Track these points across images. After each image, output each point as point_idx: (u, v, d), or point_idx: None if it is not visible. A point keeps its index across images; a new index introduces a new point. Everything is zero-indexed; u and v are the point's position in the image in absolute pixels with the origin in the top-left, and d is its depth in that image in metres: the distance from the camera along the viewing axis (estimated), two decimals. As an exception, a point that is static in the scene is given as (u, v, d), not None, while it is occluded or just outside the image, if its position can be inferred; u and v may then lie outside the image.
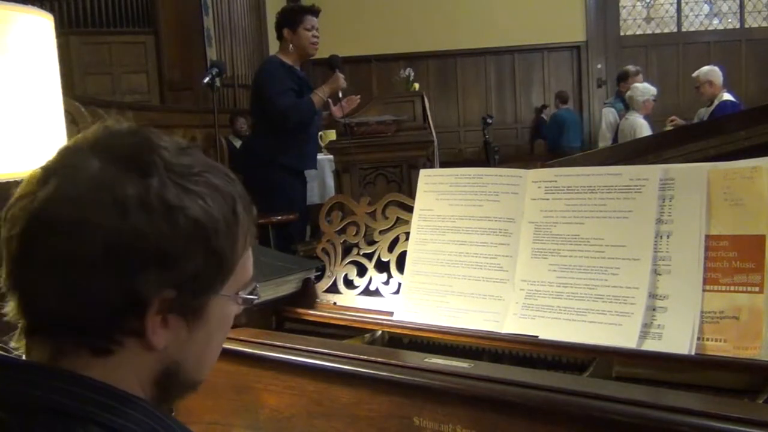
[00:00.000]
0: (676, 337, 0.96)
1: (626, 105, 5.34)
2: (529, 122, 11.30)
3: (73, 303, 0.60)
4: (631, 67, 5.85)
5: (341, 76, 3.54)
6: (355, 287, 1.30)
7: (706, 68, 5.14)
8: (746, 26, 11.06)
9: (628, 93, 5.17)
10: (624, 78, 5.68)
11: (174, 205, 0.60)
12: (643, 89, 5.09)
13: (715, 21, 11.19)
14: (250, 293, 0.73)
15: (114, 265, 0.59)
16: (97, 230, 0.58)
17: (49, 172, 0.61)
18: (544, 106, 10.57)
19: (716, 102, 4.95)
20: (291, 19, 3.53)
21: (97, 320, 0.61)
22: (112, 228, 0.58)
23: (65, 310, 0.60)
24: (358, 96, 3.85)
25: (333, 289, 1.33)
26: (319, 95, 3.50)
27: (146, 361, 0.65)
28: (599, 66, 11.07)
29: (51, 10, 1.47)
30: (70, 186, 0.60)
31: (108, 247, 0.58)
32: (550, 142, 9.63)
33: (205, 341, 0.69)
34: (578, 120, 9.85)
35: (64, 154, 0.63)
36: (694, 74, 5.17)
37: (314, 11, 3.56)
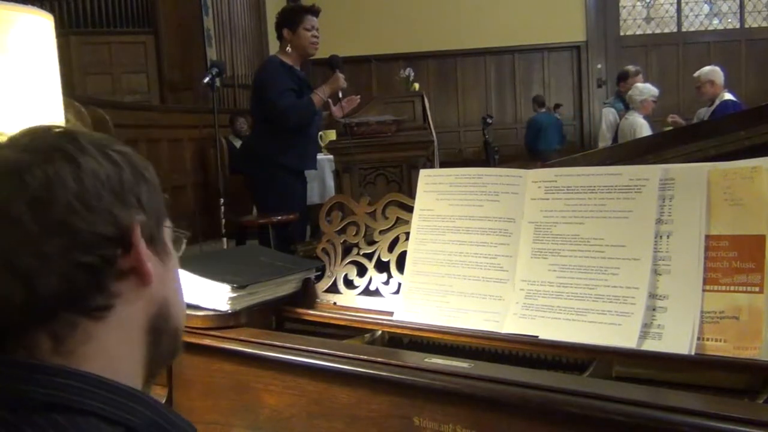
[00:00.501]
0: (676, 337, 0.96)
1: (626, 105, 5.34)
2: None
3: (73, 267, 0.60)
4: (631, 67, 5.85)
5: (341, 76, 3.54)
6: (355, 287, 1.30)
7: (707, 68, 5.15)
8: (746, 26, 11.07)
9: (629, 92, 5.18)
10: (624, 78, 5.68)
11: (112, 149, 0.66)
12: (643, 89, 5.09)
13: (715, 21, 11.20)
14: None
15: (93, 207, 0.62)
16: (60, 190, 0.61)
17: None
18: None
19: (717, 102, 4.95)
20: (291, 19, 3.54)
21: (95, 273, 0.62)
22: (79, 176, 0.62)
23: (66, 283, 0.61)
24: (358, 96, 3.86)
25: (333, 289, 1.33)
26: (319, 95, 3.50)
27: (141, 308, 0.67)
28: (599, 66, 11.08)
29: (51, 10, 1.47)
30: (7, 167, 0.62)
31: (84, 193, 0.61)
32: (527, 145, 9.77)
33: (175, 276, 0.73)
34: (556, 123, 10.06)
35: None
36: (696, 74, 5.17)
37: (314, 11, 3.56)
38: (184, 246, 0.76)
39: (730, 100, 4.96)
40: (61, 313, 0.61)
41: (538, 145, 9.29)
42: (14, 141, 0.66)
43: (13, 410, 0.57)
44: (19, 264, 0.59)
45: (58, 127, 0.69)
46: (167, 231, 0.71)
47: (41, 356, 0.61)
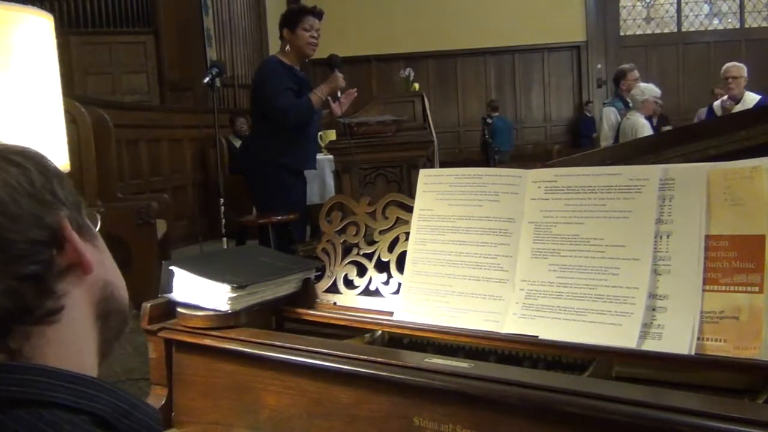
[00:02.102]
0: (676, 337, 0.96)
1: (626, 103, 5.34)
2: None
3: (16, 281, 0.60)
4: (626, 66, 5.83)
5: (340, 75, 3.54)
6: (355, 287, 1.30)
7: (737, 64, 5.09)
8: (746, 26, 11.07)
9: (631, 92, 5.17)
10: (622, 77, 5.67)
11: (10, 152, 0.65)
12: (645, 89, 5.08)
13: (715, 21, 11.20)
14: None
15: (16, 215, 0.61)
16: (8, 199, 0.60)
17: None
18: (588, 102, 10.60)
19: (745, 98, 4.90)
20: (291, 19, 3.54)
21: (38, 281, 0.62)
22: (13, 183, 0.62)
23: (13, 299, 0.60)
24: (355, 89, 3.85)
25: (333, 289, 1.33)
26: (318, 95, 3.50)
27: (87, 298, 0.67)
28: (599, 66, 11.08)
29: (51, 10, 1.47)
30: None
31: (3, 205, 0.60)
32: (482, 147, 10.07)
33: (108, 255, 0.73)
34: (509, 126, 10.60)
35: None
36: (725, 68, 5.11)
37: (316, 13, 3.56)
38: (99, 222, 0.75)
39: (762, 97, 4.91)
40: (13, 327, 0.61)
41: (492, 146, 9.65)
42: None
43: None
44: None
45: None
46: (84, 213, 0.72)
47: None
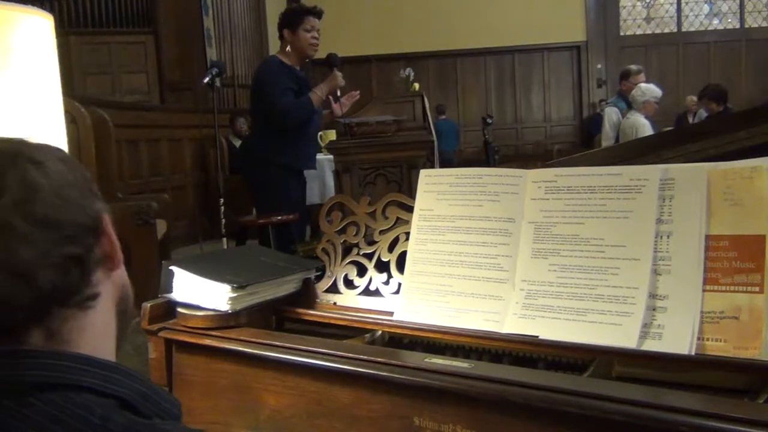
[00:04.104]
0: (676, 337, 0.96)
1: (628, 103, 5.33)
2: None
3: (65, 260, 0.63)
4: (633, 66, 5.83)
5: (339, 74, 3.54)
6: (355, 287, 1.30)
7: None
8: (746, 26, 11.07)
9: (632, 92, 5.16)
10: (626, 77, 5.67)
11: (55, 149, 0.71)
12: (646, 90, 5.08)
13: (715, 21, 11.20)
14: None
15: (68, 199, 0.66)
16: (39, 186, 0.64)
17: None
18: (603, 100, 10.59)
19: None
20: (291, 19, 3.53)
21: (82, 264, 0.66)
22: (48, 175, 0.65)
23: (62, 277, 0.64)
24: (358, 92, 3.85)
25: (333, 289, 1.33)
26: (318, 94, 3.50)
27: (112, 293, 0.72)
28: (599, 66, 11.08)
29: (51, 10, 1.47)
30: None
31: (58, 189, 0.65)
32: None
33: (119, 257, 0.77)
34: (455, 128, 10.89)
35: None
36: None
37: (316, 13, 3.56)
38: None
39: None
40: (54, 308, 0.64)
41: (440, 146, 9.86)
42: None
43: (8, 395, 0.59)
44: (18, 264, 0.61)
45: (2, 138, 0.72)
46: None
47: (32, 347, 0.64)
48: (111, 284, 0.71)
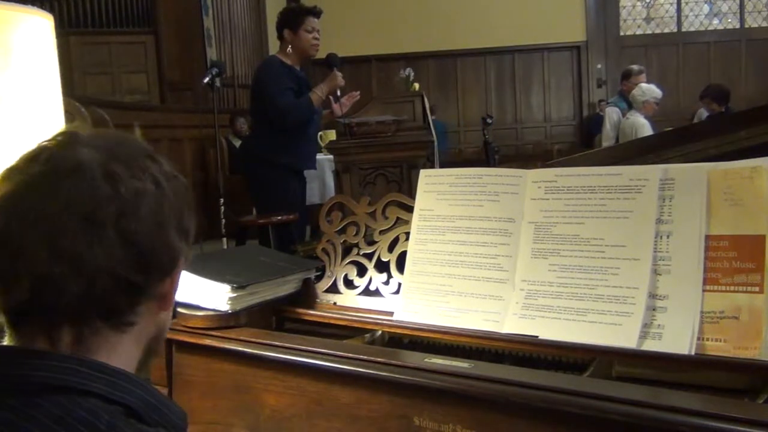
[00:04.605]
0: (676, 337, 0.96)
1: (629, 104, 5.33)
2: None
3: (124, 279, 0.64)
4: (634, 66, 5.83)
5: (339, 74, 3.54)
6: (355, 287, 1.30)
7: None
8: (746, 26, 11.06)
9: (632, 92, 5.16)
10: (627, 77, 5.66)
11: (176, 174, 0.72)
12: (646, 90, 5.08)
13: (715, 21, 11.19)
14: None
15: (160, 228, 0.67)
16: (143, 201, 0.65)
17: (53, 173, 0.64)
18: (602, 101, 10.56)
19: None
20: (292, 20, 3.53)
21: (134, 291, 0.66)
22: (152, 197, 0.66)
23: (114, 292, 0.65)
24: (358, 92, 3.85)
25: (333, 289, 1.33)
26: (318, 94, 3.50)
27: (148, 329, 0.72)
28: (599, 66, 11.07)
29: (51, 10, 1.47)
30: (93, 176, 0.64)
31: (155, 214, 0.66)
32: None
33: (171, 307, 0.77)
34: (443, 128, 10.77)
35: (56, 155, 0.66)
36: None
37: (316, 12, 3.56)
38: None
39: None
40: (93, 317, 0.65)
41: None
42: (99, 142, 0.68)
43: (14, 394, 0.60)
44: (88, 264, 0.62)
45: (137, 140, 0.72)
46: None
47: (59, 349, 0.65)
48: (152, 320, 0.72)
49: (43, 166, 0.64)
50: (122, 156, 0.66)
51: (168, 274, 0.69)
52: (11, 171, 0.65)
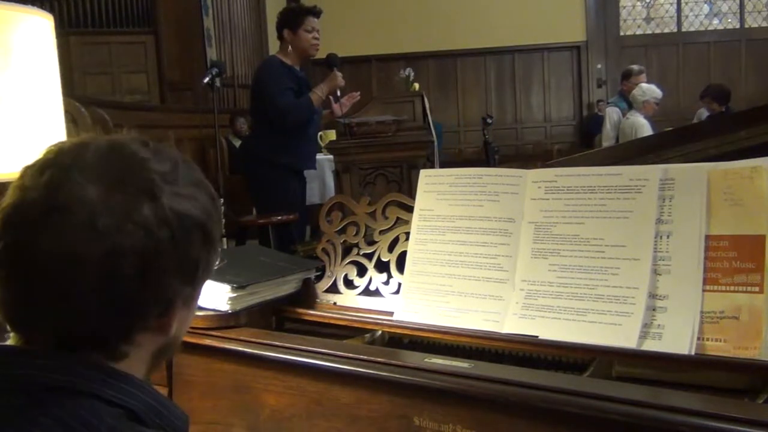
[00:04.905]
0: (676, 337, 0.96)
1: (629, 104, 5.33)
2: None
3: (105, 321, 0.63)
4: (634, 66, 5.83)
5: (339, 74, 3.54)
6: (355, 287, 1.30)
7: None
8: (746, 26, 11.05)
9: (632, 92, 5.16)
10: (627, 77, 5.66)
11: (183, 213, 0.65)
12: (646, 90, 5.07)
13: (715, 21, 11.18)
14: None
15: (148, 281, 0.63)
16: (127, 255, 0.61)
17: (46, 205, 0.62)
18: (600, 101, 10.55)
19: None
20: (292, 20, 3.53)
21: (122, 331, 0.66)
22: (140, 250, 0.62)
23: (93, 329, 0.64)
24: (358, 92, 3.85)
25: (333, 289, 1.33)
26: (318, 94, 3.50)
27: (153, 345, 0.71)
28: (599, 66, 11.06)
29: (51, 10, 1.47)
30: (82, 221, 0.61)
31: (142, 267, 0.62)
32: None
33: (194, 310, 0.77)
34: (439, 128, 10.71)
35: (55, 182, 0.63)
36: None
37: (315, 12, 3.56)
38: (222, 260, 0.80)
39: None
40: (85, 346, 0.65)
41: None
42: (102, 172, 0.63)
43: (18, 394, 0.60)
44: (70, 301, 0.61)
45: (147, 166, 0.66)
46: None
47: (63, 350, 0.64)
48: (153, 341, 0.70)
49: (42, 191, 0.62)
50: (117, 200, 0.62)
51: (163, 314, 0.67)
52: (19, 183, 0.64)
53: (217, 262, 0.73)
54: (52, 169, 0.63)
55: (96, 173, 0.63)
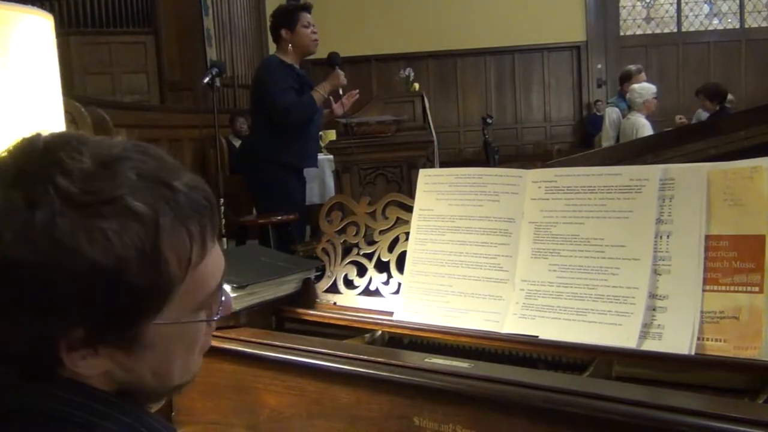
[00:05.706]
0: (676, 337, 0.96)
1: (629, 104, 5.33)
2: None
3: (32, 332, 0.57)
4: (632, 67, 5.83)
5: (341, 73, 3.54)
6: (355, 287, 1.30)
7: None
8: (746, 26, 11.06)
9: (628, 95, 5.16)
10: (627, 78, 5.65)
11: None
12: (641, 90, 5.07)
13: (715, 21, 11.19)
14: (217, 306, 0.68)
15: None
16: (61, 275, 0.53)
17: None
18: (598, 101, 10.53)
19: None
20: (288, 18, 3.53)
21: (45, 343, 0.58)
22: (89, 270, 0.53)
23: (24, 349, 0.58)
24: (357, 90, 3.85)
25: (333, 289, 1.33)
26: (320, 92, 3.50)
27: (104, 378, 0.62)
28: (599, 66, 11.07)
29: (51, 10, 1.47)
30: None
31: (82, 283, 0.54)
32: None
33: (161, 360, 0.63)
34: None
35: None
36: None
37: (307, 7, 3.56)
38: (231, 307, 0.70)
39: None
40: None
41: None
42: (76, 175, 0.55)
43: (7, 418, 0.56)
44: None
45: (123, 174, 0.57)
46: (164, 326, 0.61)
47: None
48: (104, 368, 0.60)
49: (10, 190, 0.55)
50: (75, 211, 0.53)
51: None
52: None
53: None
54: (20, 170, 0.57)
55: (69, 177, 0.55)
